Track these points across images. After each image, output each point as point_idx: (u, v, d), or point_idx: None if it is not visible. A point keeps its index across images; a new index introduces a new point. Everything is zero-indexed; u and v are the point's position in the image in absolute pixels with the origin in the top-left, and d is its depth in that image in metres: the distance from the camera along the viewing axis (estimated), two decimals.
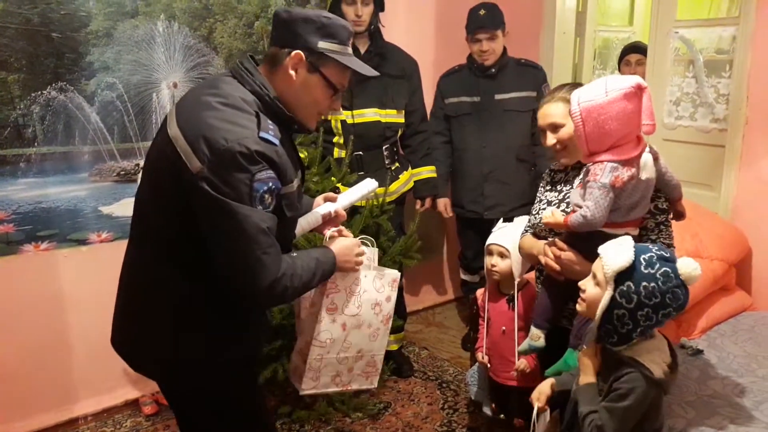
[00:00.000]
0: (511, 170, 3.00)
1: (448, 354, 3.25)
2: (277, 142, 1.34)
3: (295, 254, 1.46)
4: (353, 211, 2.59)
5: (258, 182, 1.28)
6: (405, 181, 2.96)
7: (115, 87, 2.51)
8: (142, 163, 2.61)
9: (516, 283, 2.14)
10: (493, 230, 2.24)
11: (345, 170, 2.60)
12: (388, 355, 2.98)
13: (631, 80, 1.52)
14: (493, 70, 2.95)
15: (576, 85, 1.85)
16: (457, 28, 3.47)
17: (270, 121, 1.36)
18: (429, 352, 3.27)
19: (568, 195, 1.84)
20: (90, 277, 2.56)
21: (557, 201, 1.88)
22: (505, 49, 2.99)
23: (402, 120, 2.90)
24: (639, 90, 1.50)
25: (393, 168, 2.91)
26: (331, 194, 1.76)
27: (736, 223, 2.75)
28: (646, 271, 1.36)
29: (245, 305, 1.45)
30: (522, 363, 2.11)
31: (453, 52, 3.47)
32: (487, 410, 2.44)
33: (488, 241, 2.21)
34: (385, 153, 2.87)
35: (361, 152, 2.79)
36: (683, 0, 3.11)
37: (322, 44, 1.40)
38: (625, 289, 1.37)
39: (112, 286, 2.55)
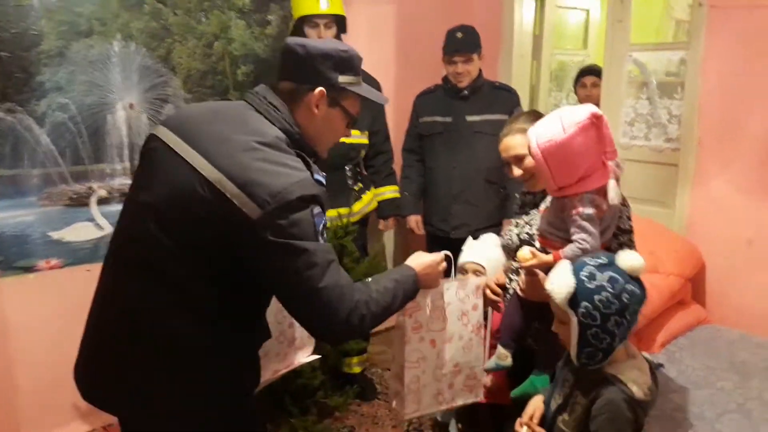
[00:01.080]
0: (479, 191, 3.02)
1: None
2: (324, 182, 1.37)
3: (370, 279, 1.43)
4: None
5: (316, 217, 1.28)
6: (368, 201, 2.95)
7: (68, 108, 2.43)
8: (95, 186, 2.52)
9: None
10: (463, 248, 2.23)
11: None
12: (351, 379, 2.94)
13: (584, 112, 1.51)
14: (466, 92, 2.99)
15: (531, 113, 1.88)
16: (418, 49, 3.52)
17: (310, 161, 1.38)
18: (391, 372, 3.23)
19: (535, 219, 1.85)
20: (37, 307, 2.45)
21: (524, 223, 1.89)
22: (480, 71, 3.03)
23: (366, 141, 2.90)
24: (596, 120, 1.50)
25: (356, 188, 2.90)
26: None
27: (690, 239, 2.83)
28: (592, 286, 1.37)
29: (322, 340, 1.41)
30: (487, 379, 2.10)
31: (413, 72, 3.51)
32: (453, 431, 2.41)
33: (462, 260, 2.20)
34: (348, 173, 2.85)
35: (323, 173, 2.76)
36: (634, 25, 3.21)
37: (342, 79, 1.41)
38: (584, 310, 1.38)
39: (61, 316, 2.48)
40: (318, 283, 1.25)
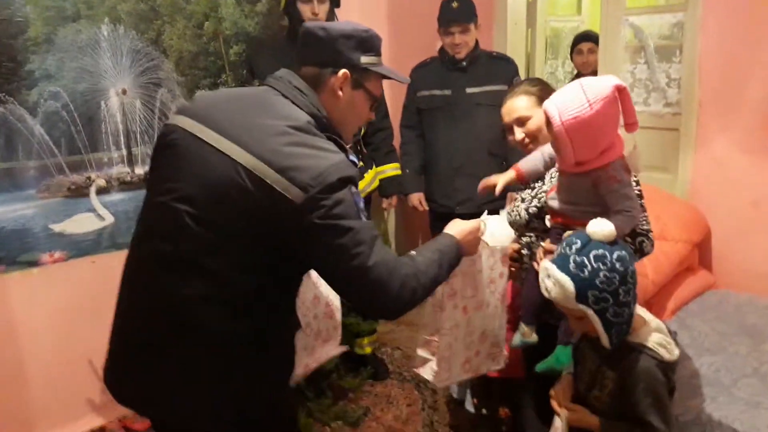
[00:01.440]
0: (482, 164, 2.98)
1: None
2: (357, 162, 1.35)
3: (413, 252, 1.42)
4: None
5: (356, 196, 1.28)
6: (370, 180, 2.91)
7: (60, 96, 2.35)
8: (93, 175, 2.46)
9: None
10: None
11: None
12: (362, 360, 2.93)
13: (609, 85, 1.45)
14: (465, 63, 2.92)
15: (534, 80, 1.84)
16: (411, 21, 3.45)
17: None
18: (402, 352, 3.23)
19: (541, 192, 1.82)
20: (44, 301, 2.41)
21: (530, 197, 1.87)
22: (477, 41, 2.97)
23: None
24: (619, 93, 1.45)
25: (357, 167, 2.85)
26: None
27: (695, 204, 2.83)
28: (586, 274, 1.35)
29: (377, 317, 1.38)
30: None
31: (407, 45, 3.45)
32: (469, 407, 2.42)
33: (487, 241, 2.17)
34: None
35: None
36: None
37: (364, 59, 1.38)
38: (593, 299, 1.36)
39: (68, 309, 2.44)
40: (367, 261, 1.24)
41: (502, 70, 3.00)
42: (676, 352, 1.43)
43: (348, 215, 1.23)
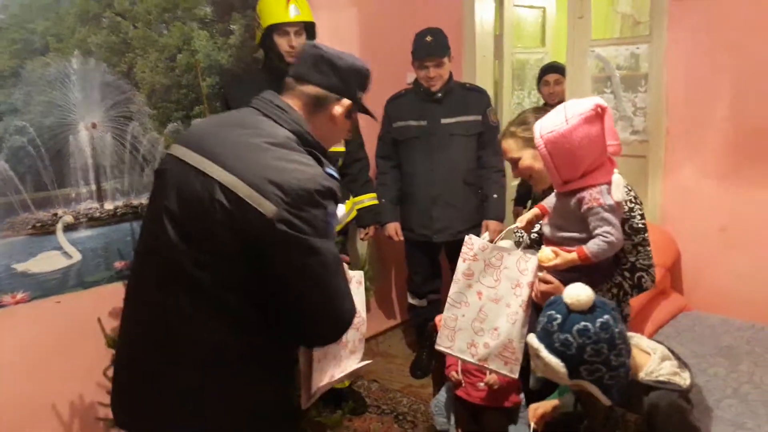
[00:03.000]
0: (458, 193, 3.02)
1: (399, 384, 3.18)
2: (337, 176, 1.41)
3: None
4: None
5: (330, 216, 1.31)
6: (348, 210, 2.89)
7: (26, 131, 2.27)
8: (60, 212, 2.37)
9: None
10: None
11: None
12: (341, 394, 2.87)
13: (589, 103, 1.51)
14: (440, 94, 2.97)
15: (522, 119, 1.86)
16: (382, 53, 3.48)
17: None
18: (379, 384, 3.18)
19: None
20: (4, 344, 2.28)
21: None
22: (450, 73, 3.01)
23: (342, 149, 2.84)
24: (600, 111, 1.49)
25: (336, 179, 2.83)
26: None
27: (665, 228, 2.89)
28: (574, 351, 1.33)
29: (329, 341, 1.40)
30: (492, 377, 2.07)
31: (379, 76, 3.45)
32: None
33: None
34: None
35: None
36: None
37: (359, 94, 1.50)
38: (586, 372, 1.35)
39: (32, 351, 2.32)
40: (329, 283, 1.28)
41: (475, 101, 3.05)
42: (688, 375, 1.42)
43: (317, 234, 1.26)
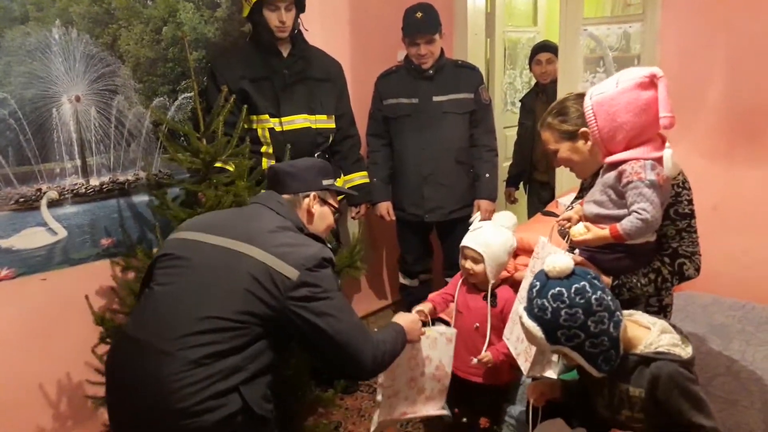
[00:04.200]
0: (450, 172, 2.98)
1: None
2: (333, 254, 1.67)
3: (375, 329, 1.80)
4: None
5: (336, 275, 1.63)
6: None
7: (7, 103, 2.19)
8: (44, 187, 2.30)
9: (491, 284, 2.11)
10: (470, 229, 2.17)
11: None
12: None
13: (644, 70, 1.43)
14: (431, 71, 2.92)
15: (559, 107, 1.78)
16: (373, 29, 3.43)
17: None
18: None
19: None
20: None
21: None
22: (442, 50, 2.96)
23: (333, 125, 2.80)
24: (653, 79, 1.41)
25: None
26: None
27: None
28: (549, 316, 1.34)
29: (356, 379, 1.85)
30: (486, 355, 2.06)
31: (370, 53, 3.42)
32: (448, 415, 2.37)
33: (463, 243, 2.15)
34: None
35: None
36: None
37: (325, 182, 1.82)
38: (564, 337, 1.35)
39: (17, 330, 2.27)
40: (349, 331, 1.55)
41: (467, 78, 3.00)
42: (690, 347, 1.40)
43: (332, 290, 1.55)
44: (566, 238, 1.70)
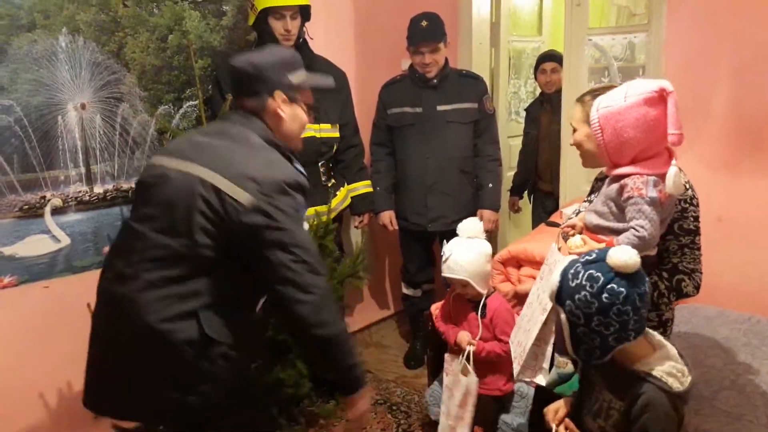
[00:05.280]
0: (454, 182, 2.97)
1: (392, 375, 3.15)
2: (305, 173, 1.58)
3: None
4: None
5: (300, 207, 1.50)
6: (342, 198, 2.84)
7: (12, 110, 2.20)
8: (48, 195, 2.31)
9: (484, 293, 2.11)
10: (443, 260, 2.14)
11: None
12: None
13: (653, 84, 1.41)
14: (435, 81, 2.92)
15: (607, 89, 1.72)
16: (378, 39, 3.43)
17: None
18: (373, 374, 3.14)
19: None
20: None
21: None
22: (446, 60, 2.96)
23: (337, 134, 2.80)
24: (662, 94, 1.39)
25: (329, 185, 2.79)
26: None
27: None
28: (573, 284, 1.32)
29: (298, 316, 1.47)
30: (469, 347, 2.06)
31: (375, 62, 3.42)
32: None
33: (443, 274, 2.14)
34: (321, 169, 2.74)
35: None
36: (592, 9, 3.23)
37: (292, 77, 1.62)
38: (568, 309, 1.33)
39: (20, 338, 2.26)
40: (301, 257, 1.44)
41: (471, 88, 3.00)
42: (688, 381, 1.36)
43: (288, 219, 1.45)
44: (561, 248, 1.69)
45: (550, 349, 1.78)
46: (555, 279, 1.35)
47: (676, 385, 1.33)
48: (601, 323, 1.30)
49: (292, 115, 1.63)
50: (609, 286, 1.28)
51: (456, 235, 2.91)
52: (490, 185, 3.01)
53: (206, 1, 2.74)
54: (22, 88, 2.22)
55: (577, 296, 1.30)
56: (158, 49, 2.59)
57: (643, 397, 1.32)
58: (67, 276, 2.37)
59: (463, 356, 2.06)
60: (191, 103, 2.68)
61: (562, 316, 1.34)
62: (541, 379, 1.80)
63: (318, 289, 1.46)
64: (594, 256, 1.33)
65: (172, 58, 2.64)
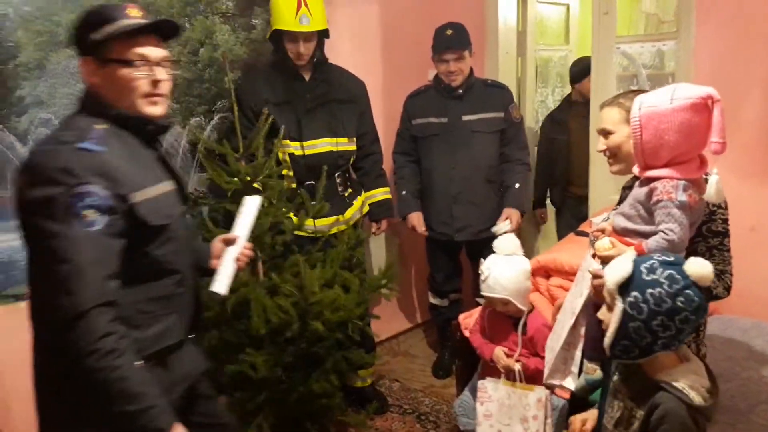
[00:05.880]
0: (479, 191, 2.97)
1: (420, 384, 3.14)
2: (100, 149, 1.29)
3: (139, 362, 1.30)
4: (326, 244, 2.47)
5: (74, 197, 1.22)
6: (359, 207, 2.83)
7: (51, 123, 2.26)
8: None
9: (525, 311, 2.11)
10: (481, 279, 2.13)
11: (301, 199, 2.48)
12: (363, 394, 2.84)
13: (701, 90, 1.40)
14: (461, 90, 2.92)
15: (638, 93, 1.72)
16: (403, 50, 3.45)
17: (101, 130, 1.33)
18: (401, 384, 3.14)
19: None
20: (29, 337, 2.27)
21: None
22: (471, 69, 2.97)
23: (354, 147, 2.77)
24: (710, 102, 1.38)
25: (346, 195, 2.79)
26: (227, 236, 1.67)
27: None
28: (648, 278, 1.30)
29: (51, 328, 1.27)
30: (517, 365, 2.04)
31: (400, 73, 3.44)
32: None
33: (483, 293, 2.13)
34: (338, 180, 2.73)
35: (312, 182, 2.62)
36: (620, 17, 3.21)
37: (95, 35, 1.34)
38: (633, 300, 1.30)
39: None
40: (56, 269, 1.21)
41: (497, 97, 3.00)
42: (711, 399, 1.33)
43: (50, 215, 1.22)
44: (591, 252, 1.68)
45: (578, 353, 1.76)
46: (627, 267, 1.32)
47: (697, 399, 1.30)
48: (662, 324, 1.29)
49: (109, 79, 1.36)
50: (687, 292, 1.28)
51: (482, 245, 2.91)
52: (517, 185, 2.97)
53: (236, 15, 2.80)
54: (60, 101, 2.29)
55: (650, 290, 1.28)
56: (189, 63, 2.64)
57: (662, 408, 1.31)
58: None
59: (505, 376, 2.08)
60: (222, 114, 2.72)
61: (619, 306, 1.31)
62: (570, 383, 1.79)
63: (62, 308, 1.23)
64: (672, 258, 1.33)
65: (203, 71, 2.69)
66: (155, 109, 1.41)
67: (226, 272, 1.61)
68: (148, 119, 1.40)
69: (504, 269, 2.04)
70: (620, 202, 1.89)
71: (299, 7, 2.48)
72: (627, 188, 1.86)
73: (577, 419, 1.58)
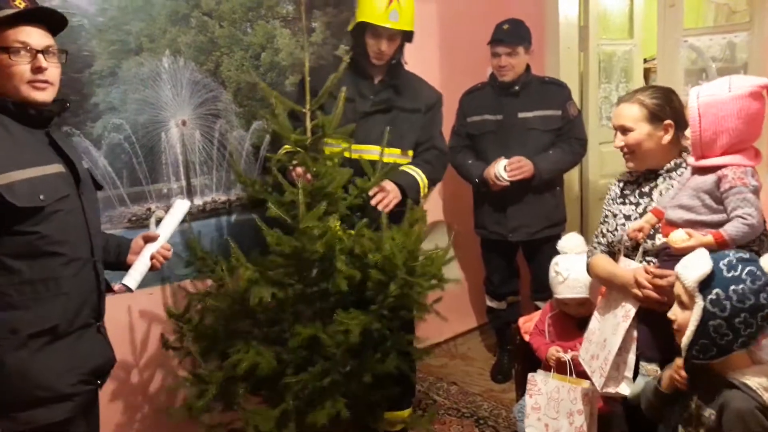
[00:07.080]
0: (535, 190, 2.90)
1: (478, 388, 3.11)
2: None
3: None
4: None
5: None
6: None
7: (123, 128, 2.37)
8: (153, 207, 2.46)
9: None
10: (557, 280, 2.11)
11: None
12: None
13: (758, 80, 1.46)
14: (516, 87, 2.89)
15: (660, 90, 1.76)
16: (462, 47, 3.43)
17: None
18: (458, 387, 3.12)
19: (649, 206, 1.74)
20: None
21: (637, 215, 1.77)
22: (528, 67, 2.93)
23: (405, 161, 2.55)
24: (765, 91, 1.43)
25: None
26: (149, 233, 1.77)
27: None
28: (730, 275, 1.28)
29: None
30: (568, 355, 2.02)
31: (459, 71, 3.41)
32: None
33: (562, 296, 2.12)
34: None
35: None
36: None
37: None
38: (714, 297, 1.28)
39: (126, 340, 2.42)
40: None
41: (554, 95, 2.95)
42: None
43: None
44: (635, 251, 1.65)
45: (632, 357, 1.71)
46: (707, 264, 1.31)
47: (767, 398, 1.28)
48: (744, 321, 1.28)
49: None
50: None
51: (539, 245, 2.86)
52: (551, 152, 2.89)
53: (296, 19, 2.84)
54: (131, 107, 2.39)
55: (733, 287, 1.27)
56: (252, 67, 2.71)
57: (734, 408, 1.28)
58: (167, 284, 2.51)
59: (555, 370, 2.03)
60: None
61: (699, 304, 1.30)
62: (625, 389, 1.74)
63: None
64: (747, 255, 1.33)
65: (264, 76, 2.75)
66: (39, 95, 1.46)
67: (140, 268, 1.73)
68: (30, 104, 1.45)
69: (580, 269, 2.01)
70: (621, 197, 1.84)
71: (392, 0, 2.38)
72: (627, 183, 1.84)
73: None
